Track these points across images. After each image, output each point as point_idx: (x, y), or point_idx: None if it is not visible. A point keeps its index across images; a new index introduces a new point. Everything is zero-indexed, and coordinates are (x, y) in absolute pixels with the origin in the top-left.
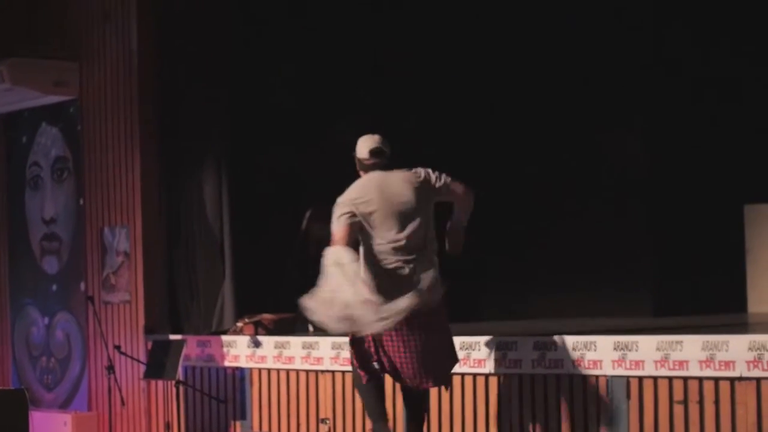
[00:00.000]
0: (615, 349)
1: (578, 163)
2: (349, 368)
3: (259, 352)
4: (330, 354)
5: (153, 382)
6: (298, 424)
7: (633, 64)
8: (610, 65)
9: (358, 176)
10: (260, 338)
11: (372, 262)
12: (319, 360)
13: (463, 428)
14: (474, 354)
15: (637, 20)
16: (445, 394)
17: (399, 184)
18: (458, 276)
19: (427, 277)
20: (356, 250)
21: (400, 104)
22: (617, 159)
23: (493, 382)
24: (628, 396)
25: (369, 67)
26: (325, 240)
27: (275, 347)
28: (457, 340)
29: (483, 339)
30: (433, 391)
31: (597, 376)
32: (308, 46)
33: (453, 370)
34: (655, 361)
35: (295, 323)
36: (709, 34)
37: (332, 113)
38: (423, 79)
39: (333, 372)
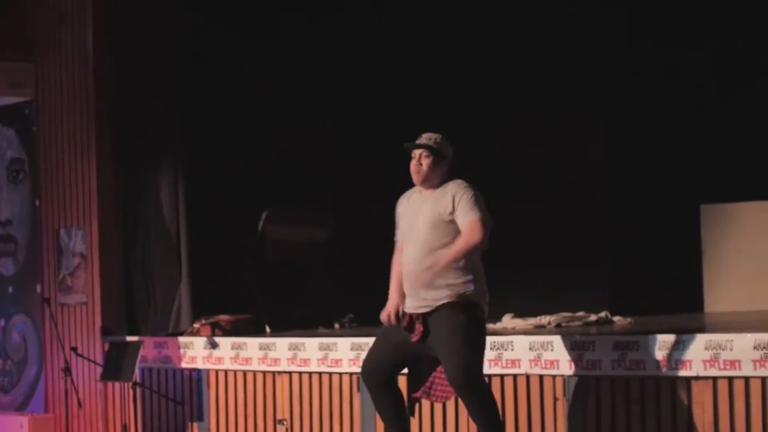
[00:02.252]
0: (572, 349)
1: (535, 162)
2: (306, 369)
3: (216, 353)
4: (287, 355)
5: (110, 384)
6: (256, 425)
7: (592, 63)
8: (569, 64)
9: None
10: (217, 339)
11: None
12: (276, 361)
13: (420, 428)
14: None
15: (598, 20)
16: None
17: None
18: None
19: None
20: None
21: (356, 107)
22: (574, 158)
23: None
24: (586, 396)
25: (325, 70)
26: (281, 241)
27: (232, 348)
28: None
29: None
30: None
31: (554, 376)
32: (265, 48)
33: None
34: (612, 361)
35: (252, 324)
36: (668, 37)
37: (288, 116)
38: (379, 79)
39: (290, 373)
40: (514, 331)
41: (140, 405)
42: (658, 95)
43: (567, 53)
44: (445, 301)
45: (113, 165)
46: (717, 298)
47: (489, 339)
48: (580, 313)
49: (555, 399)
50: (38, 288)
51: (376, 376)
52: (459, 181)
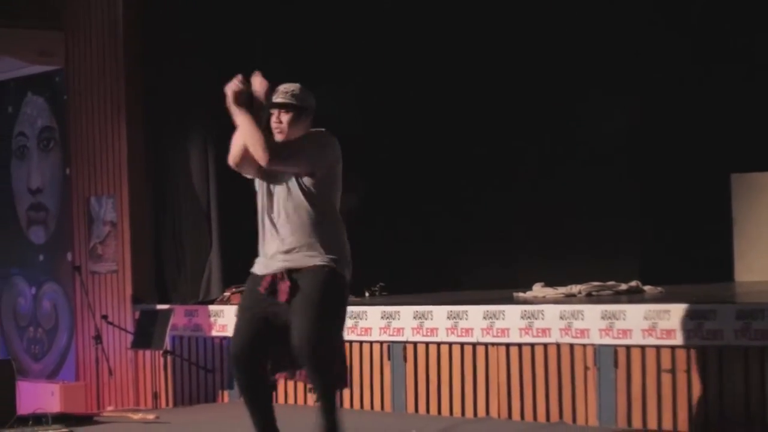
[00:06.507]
0: (603, 318)
1: (565, 132)
2: None
3: None
4: None
5: (140, 352)
6: (286, 393)
7: (622, 30)
8: (598, 31)
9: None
10: None
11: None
12: None
13: (450, 396)
14: (461, 323)
15: None
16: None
17: None
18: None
19: None
20: None
21: (379, 73)
22: (604, 127)
23: (481, 351)
24: (616, 365)
25: (353, 35)
26: None
27: None
28: (444, 309)
29: (470, 308)
30: (422, 360)
31: (585, 345)
32: (293, 15)
33: None
34: (643, 330)
35: None
36: (697, 5)
37: (317, 81)
38: (397, 46)
39: None
40: (545, 300)
41: (171, 373)
42: (687, 63)
43: (596, 19)
44: (309, 264)
45: (143, 133)
46: (748, 268)
47: (520, 308)
48: (611, 282)
49: (585, 368)
50: (69, 256)
51: (249, 356)
52: (318, 130)
